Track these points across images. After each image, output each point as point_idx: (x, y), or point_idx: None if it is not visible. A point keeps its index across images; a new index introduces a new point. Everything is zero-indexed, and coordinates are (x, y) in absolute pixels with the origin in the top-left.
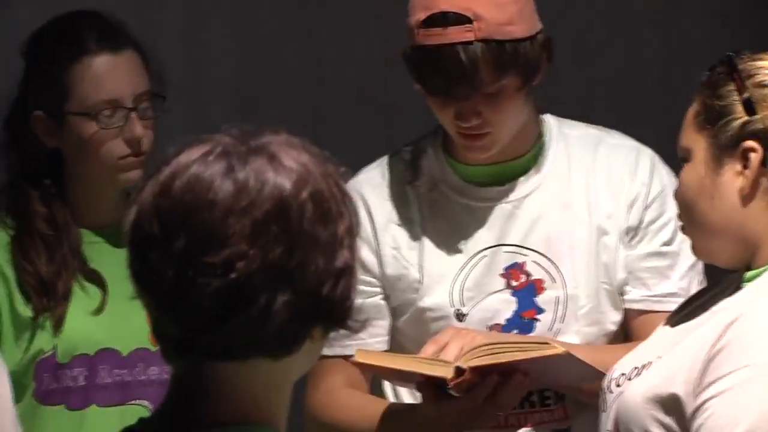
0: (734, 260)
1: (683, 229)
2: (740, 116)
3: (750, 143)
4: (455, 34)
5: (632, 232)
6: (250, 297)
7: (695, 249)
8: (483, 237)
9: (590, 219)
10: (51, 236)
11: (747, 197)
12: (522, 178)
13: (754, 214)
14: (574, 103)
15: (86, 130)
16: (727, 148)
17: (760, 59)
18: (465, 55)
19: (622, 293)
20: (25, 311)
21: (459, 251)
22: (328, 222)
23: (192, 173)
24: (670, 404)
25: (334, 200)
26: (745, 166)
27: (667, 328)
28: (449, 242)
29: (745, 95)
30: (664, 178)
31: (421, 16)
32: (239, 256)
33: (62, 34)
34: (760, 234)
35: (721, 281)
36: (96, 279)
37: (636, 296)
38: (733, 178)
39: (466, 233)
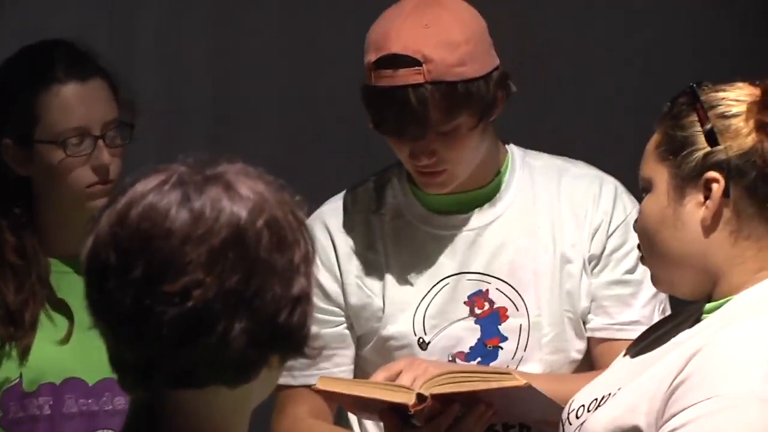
0: (695, 291)
1: (642, 260)
2: (702, 147)
3: (712, 174)
4: (405, 77)
5: (595, 260)
6: (207, 324)
7: (655, 280)
8: (446, 265)
9: (555, 247)
10: (19, 266)
11: (709, 228)
12: (486, 206)
13: (716, 245)
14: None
15: (54, 157)
16: (689, 178)
17: (722, 90)
18: (414, 96)
19: (585, 321)
20: None
21: (422, 279)
22: (285, 249)
23: (148, 202)
24: None
25: (290, 228)
26: (707, 197)
27: (627, 359)
28: (413, 270)
29: (707, 126)
30: (627, 207)
31: (373, 57)
32: (196, 284)
33: (32, 63)
34: (721, 265)
35: (680, 312)
36: (63, 309)
37: (598, 324)
38: (695, 209)
39: (430, 261)
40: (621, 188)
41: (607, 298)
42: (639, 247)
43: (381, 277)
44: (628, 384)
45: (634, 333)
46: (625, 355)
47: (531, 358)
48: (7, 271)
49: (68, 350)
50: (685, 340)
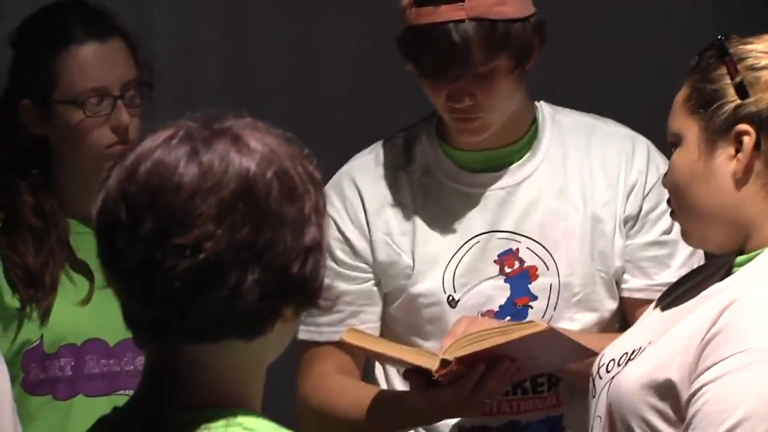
0: (726, 245)
1: (672, 215)
2: (733, 99)
3: (743, 126)
4: (446, 13)
5: (631, 221)
6: (219, 276)
7: (686, 234)
8: (476, 223)
9: (585, 206)
10: (39, 227)
11: (740, 181)
12: (516, 165)
13: (748, 198)
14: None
15: (73, 118)
16: (719, 131)
17: (750, 43)
18: (456, 33)
19: (619, 282)
20: (12, 302)
21: (452, 237)
22: (295, 200)
23: (156, 157)
24: (665, 390)
25: (299, 179)
26: (738, 150)
27: (656, 312)
28: (442, 228)
29: (738, 79)
30: (661, 166)
31: None
32: (207, 237)
33: (49, 23)
34: (753, 218)
35: (709, 265)
36: (83, 270)
37: (637, 285)
38: (726, 162)
39: (459, 219)
40: (653, 147)
41: (645, 259)
42: (668, 201)
43: (410, 235)
44: (659, 338)
45: None
46: (654, 308)
47: (561, 317)
48: (27, 232)
49: (89, 311)
50: (715, 293)
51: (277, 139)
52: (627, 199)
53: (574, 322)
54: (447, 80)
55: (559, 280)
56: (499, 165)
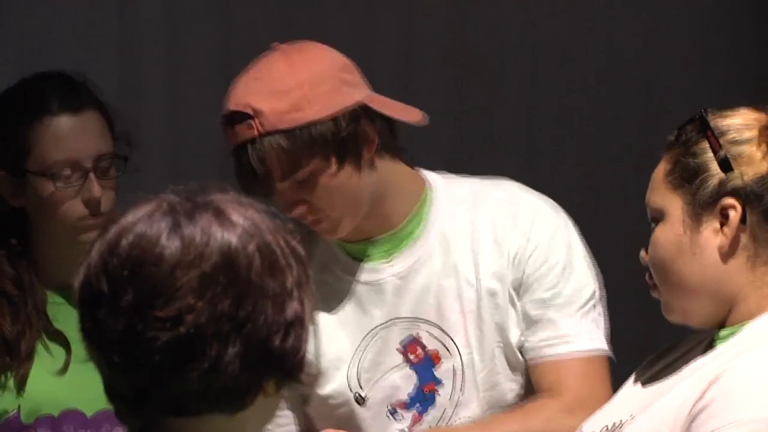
0: (709, 319)
1: (654, 289)
2: (716, 173)
3: (728, 200)
4: (242, 133)
5: (519, 283)
6: (200, 349)
7: (669, 309)
8: (376, 314)
9: (478, 281)
10: (16, 296)
11: (726, 255)
12: (407, 248)
13: (734, 271)
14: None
15: (45, 189)
16: (705, 205)
17: (729, 116)
18: (253, 152)
19: (521, 349)
20: None
21: (353, 332)
22: (276, 274)
23: (138, 230)
24: None
25: (282, 253)
26: (723, 224)
27: (636, 386)
28: (343, 324)
29: (721, 153)
30: (546, 224)
31: (221, 118)
32: (188, 309)
33: (27, 94)
34: (738, 291)
35: (687, 340)
36: (60, 339)
37: (532, 344)
38: (711, 236)
39: (359, 313)
40: (541, 204)
41: (537, 317)
42: (650, 276)
43: (313, 337)
44: (643, 411)
45: (573, 345)
46: (635, 382)
47: (469, 399)
48: (3, 301)
49: (66, 382)
50: (701, 366)
51: (259, 214)
52: (513, 262)
53: (482, 402)
54: (263, 196)
55: (461, 361)
56: (389, 251)
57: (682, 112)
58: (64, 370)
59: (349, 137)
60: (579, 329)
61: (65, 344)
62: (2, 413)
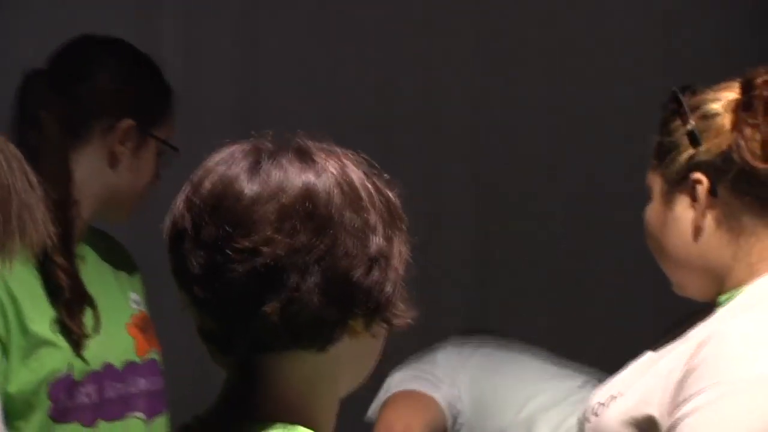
0: (705, 291)
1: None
2: (686, 149)
3: (696, 175)
4: None
5: None
6: (278, 280)
7: (672, 282)
8: None
9: None
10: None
11: (702, 228)
12: None
13: (713, 245)
14: None
15: (151, 158)
16: (675, 182)
17: (704, 93)
18: None
19: None
20: (41, 329)
21: None
22: (358, 210)
23: (221, 170)
24: (646, 426)
25: (367, 193)
26: (695, 198)
27: (639, 359)
28: None
29: (688, 127)
30: None
31: None
32: (265, 241)
33: (152, 66)
34: (723, 263)
35: (687, 317)
36: (89, 298)
37: None
38: (686, 211)
39: None
40: None
41: None
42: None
43: None
44: (641, 378)
45: None
46: (639, 357)
47: None
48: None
49: (100, 336)
50: (696, 332)
51: (346, 158)
52: None
53: None
54: None
55: None
56: None
57: None
58: (97, 326)
59: None
60: None
61: (92, 301)
62: (54, 371)
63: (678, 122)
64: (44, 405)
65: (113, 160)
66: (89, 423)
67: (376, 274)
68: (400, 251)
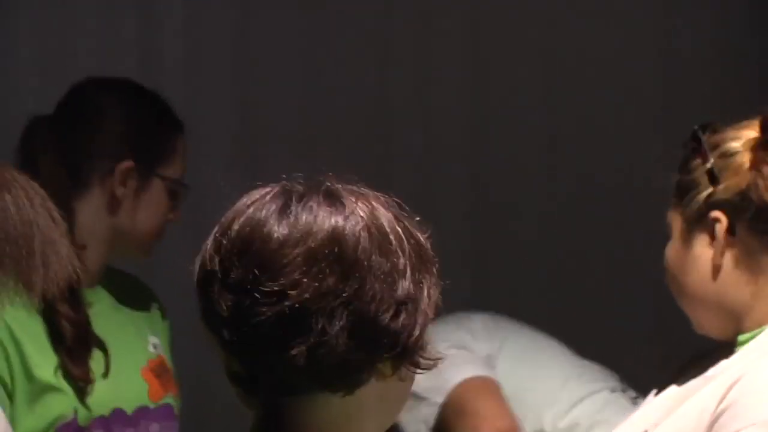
0: (723, 330)
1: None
2: (705, 188)
3: (714, 213)
4: None
5: None
6: (305, 324)
7: (691, 320)
8: None
9: None
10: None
11: (720, 267)
12: None
13: (732, 283)
14: None
15: (161, 197)
16: (694, 221)
17: (724, 131)
18: None
19: None
20: (45, 375)
21: None
22: (387, 253)
23: (250, 212)
24: None
25: (396, 236)
26: (713, 237)
27: (661, 395)
28: None
29: (708, 166)
30: None
31: None
32: (293, 285)
33: (157, 102)
34: (742, 303)
35: (707, 353)
36: (99, 342)
37: None
38: (704, 250)
39: None
40: None
41: None
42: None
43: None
44: (667, 417)
45: None
46: (656, 394)
47: None
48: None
49: (109, 382)
50: (722, 370)
51: (376, 201)
52: None
53: None
54: None
55: None
56: None
57: None
58: (107, 371)
59: None
60: None
61: (102, 346)
62: (58, 417)
63: (698, 161)
64: None
65: (114, 203)
66: None
67: (403, 317)
68: (429, 294)
